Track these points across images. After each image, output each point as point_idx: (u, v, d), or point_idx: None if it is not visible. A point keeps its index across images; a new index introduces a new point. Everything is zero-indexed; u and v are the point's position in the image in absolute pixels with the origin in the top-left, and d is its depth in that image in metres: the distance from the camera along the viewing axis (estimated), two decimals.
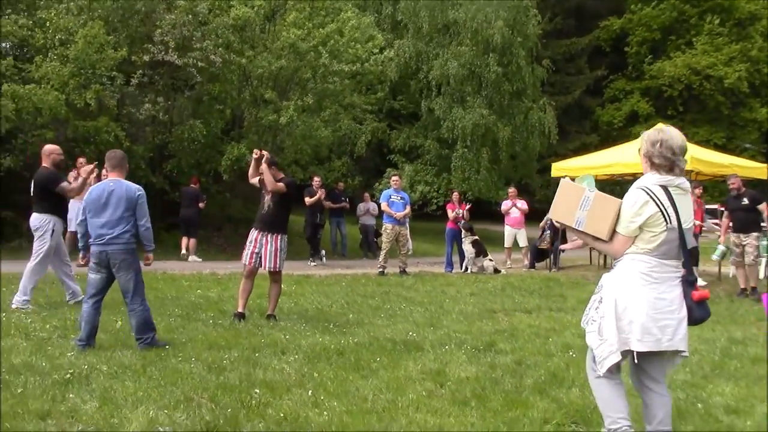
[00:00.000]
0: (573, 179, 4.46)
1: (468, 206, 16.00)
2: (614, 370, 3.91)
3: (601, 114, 41.44)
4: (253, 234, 8.12)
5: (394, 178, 14.58)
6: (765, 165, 15.19)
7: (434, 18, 25.52)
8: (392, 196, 14.14)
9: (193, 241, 15.96)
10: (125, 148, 15.60)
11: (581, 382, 5.57)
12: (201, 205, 16.06)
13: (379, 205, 18.20)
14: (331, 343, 6.92)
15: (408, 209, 14.43)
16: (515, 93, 25.59)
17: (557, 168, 16.12)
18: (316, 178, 16.25)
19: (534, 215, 18.08)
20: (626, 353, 3.86)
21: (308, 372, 5.76)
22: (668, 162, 3.78)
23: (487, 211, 25.44)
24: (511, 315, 9.41)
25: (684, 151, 3.83)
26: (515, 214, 16.70)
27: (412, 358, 6.42)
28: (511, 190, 17.37)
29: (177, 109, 16.93)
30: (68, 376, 5.30)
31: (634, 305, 3.78)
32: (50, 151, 8.60)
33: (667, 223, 3.74)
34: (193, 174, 16.68)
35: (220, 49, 16.02)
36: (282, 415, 4.56)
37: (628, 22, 41.87)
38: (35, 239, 8.40)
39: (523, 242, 16.82)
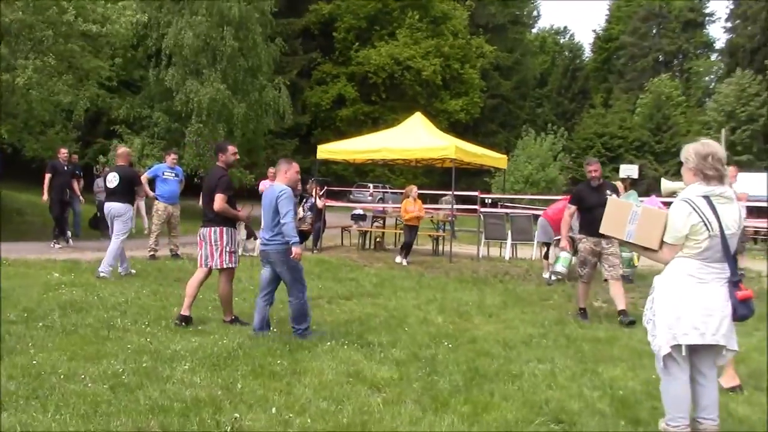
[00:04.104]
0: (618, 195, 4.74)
1: None
2: (681, 368, 4.16)
3: (311, 95, 42.52)
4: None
5: (173, 156, 13.32)
6: (505, 156, 16.74)
7: None
8: (166, 172, 13.00)
9: None
10: None
11: (504, 376, 5.74)
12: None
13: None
14: (205, 345, 6.26)
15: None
16: (250, 69, 25.05)
17: (323, 150, 16.19)
18: (62, 150, 14.37)
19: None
20: (676, 348, 4.13)
21: (227, 383, 5.13)
22: (718, 173, 4.09)
23: None
24: (335, 303, 9.31)
25: (726, 161, 4.15)
26: None
27: (306, 358, 6.04)
28: (271, 169, 16.95)
29: None
30: None
31: (681, 303, 4.10)
32: (128, 153, 11.07)
33: (709, 231, 4.04)
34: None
35: None
36: None
37: (337, 8, 43.38)
38: (118, 223, 10.41)
39: None
